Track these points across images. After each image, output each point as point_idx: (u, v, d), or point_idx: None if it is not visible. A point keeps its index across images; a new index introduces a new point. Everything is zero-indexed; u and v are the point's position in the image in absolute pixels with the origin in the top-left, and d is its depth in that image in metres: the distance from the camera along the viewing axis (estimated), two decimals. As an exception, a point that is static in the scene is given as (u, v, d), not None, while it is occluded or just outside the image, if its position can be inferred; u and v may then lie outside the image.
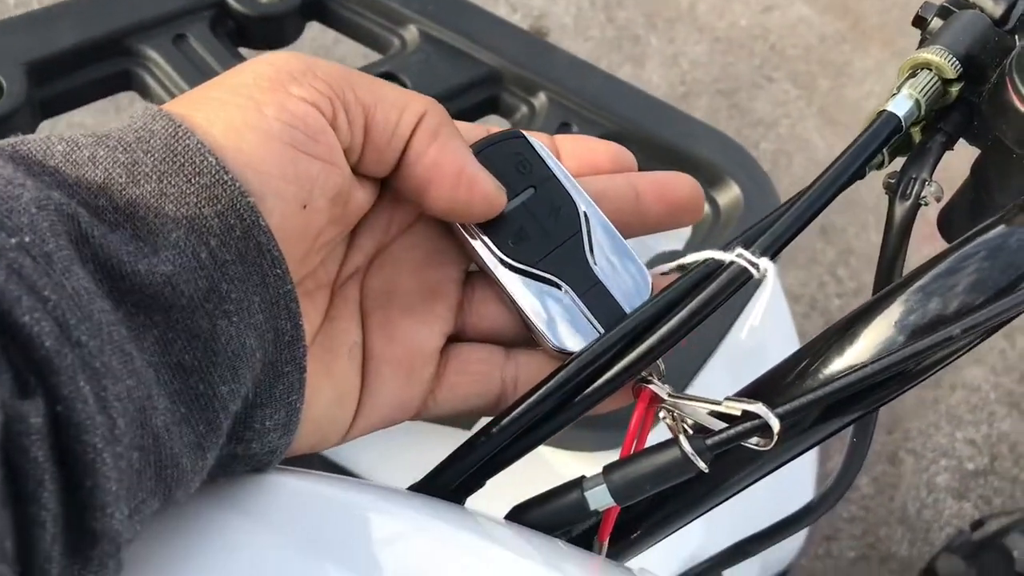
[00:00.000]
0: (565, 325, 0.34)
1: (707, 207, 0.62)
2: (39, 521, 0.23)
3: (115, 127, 0.28)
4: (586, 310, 0.34)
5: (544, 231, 0.34)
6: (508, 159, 0.34)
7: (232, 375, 0.28)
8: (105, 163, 0.27)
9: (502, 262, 0.34)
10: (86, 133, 0.28)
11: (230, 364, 0.27)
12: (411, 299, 0.35)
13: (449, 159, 0.32)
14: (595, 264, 0.34)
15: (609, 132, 0.61)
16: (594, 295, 0.34)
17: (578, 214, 0.34)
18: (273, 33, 0.62)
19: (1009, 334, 1.69)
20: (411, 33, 0.63)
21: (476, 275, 0.36)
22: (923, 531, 1.51)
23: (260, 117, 0.29)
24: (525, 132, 0.36)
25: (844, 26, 2.05)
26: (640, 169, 0.63)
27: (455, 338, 0.36)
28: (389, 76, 0.60)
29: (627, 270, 0.35)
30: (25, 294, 0.23)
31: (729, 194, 0.61)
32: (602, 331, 0.33)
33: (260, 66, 0.30)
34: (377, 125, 0.31)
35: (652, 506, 0.36)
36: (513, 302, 0.34)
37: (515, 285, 0.34)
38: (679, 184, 0.37)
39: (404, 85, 0.60)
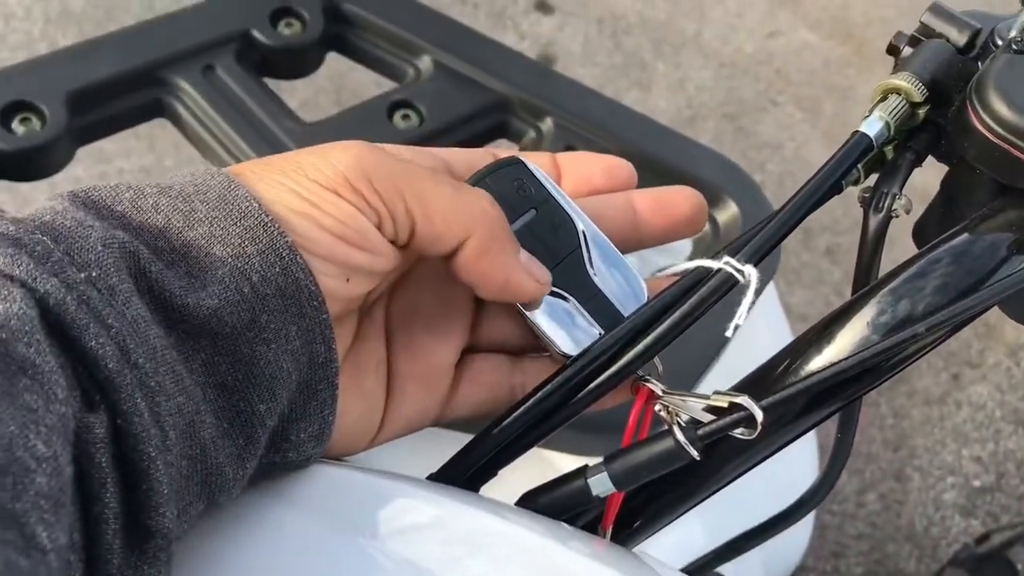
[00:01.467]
0: (570, 333, 0.37)
1: (708, 226, 0.65)
2: (103, 518, 0.27)
3: (177, 180, 0.32)
4: (589, 318, 0.37)
5: (546, 249, 0.37)
6: (509, 184, 0.37)
7: (269, 395, 0.31)
8: (166, 210, 0.31)
9: None
10: (151, 183, 0.32)
11: (268, 385, 0.31)
12: (431, 318, 0.38)
13: (496, 272, 0.34)
14: (595, 276, 0.37)
15: (612, 153, 0.65)
16: (596, 304, 0.37)
17: (576, 232, 0.37)
18: (295, 64, 0.66)
19: (1014, 352, 1.71)
20: (425, 63, 0.66)
21: None
22: (931, 548, 1.52)
23: (316, 210, 0.32)
24: (523, 157, 0.38)
25: (848, 51, 2.09)
26: (641, 187, 0.66)
27: (467, 350, 0.39)
28: (404, 104, 0.64)
29: (625, 280, 0.38)
30: (92, 322, 0.27)
31: (727, 212, 0.64)
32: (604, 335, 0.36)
33: (324, 163, 0.33)
34: (422, 237, 0.33)
35: (652, 496, 0.39)
36: (522, 315, 0.37)
37: None
38: (678, 200, 0.40)
39: (419, 112, 0.64)
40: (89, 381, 0.27)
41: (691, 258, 0.63)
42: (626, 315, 0.37)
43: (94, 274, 0.28)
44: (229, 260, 0.30)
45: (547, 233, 0.37)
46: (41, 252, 0.27)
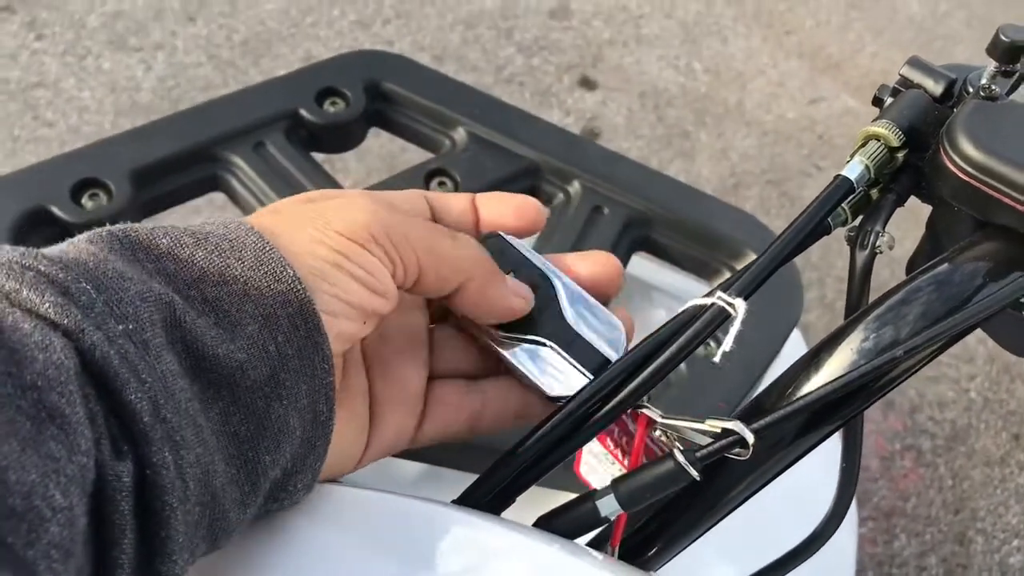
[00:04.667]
0: (556, 376, 0.40)
1: (729, 275, 0.68)
2: (119, 563, 0.28)
3: (211, 229, 0.34)
4: (571, 359, 0.40)
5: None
6: (493, 252, 0.42)
7: (275, 447, 0.33)
8: (202, 263, 0.33)
9: (494, 337, 0.41)
10: (187, 231, 0.34)
11: (274, 438, 0.33)
12: (399, 346, 0.41)
13: (493, 303, 0.40)
14: (572, 321, 0.41)
15: (636, 214, 0.68)
16: (577, 347, 0.41)
17: (552, 285, 0.42)
18: (339, 139, 0.71)
19: (1075, 410, 1.68)
20: (459, 134, 0.71)
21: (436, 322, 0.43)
22: (998, 613, 1.49)
23: (346, 261, 0.35)
24: (500, 232, 0.43)
25: (891, 115, 2.11)
26: (666, 244, 0.69)
27: (428, 377, 0.42)
28: (440, 172, 0.68)
29: (600, 321, 0.41)
30: (132, 376, 0.28)
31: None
32: (588, 375, 0.40)
33: (348, 217, 0.36)
34: (428, 282, 0.38)
35: (666, 522, 0.41)
36: (513, 367, 0.41)
37: (510, 352, 0.41)
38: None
39: (454, 180, 0.68)
40: (119, 430, 0.28)
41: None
42: (606, 353, 0.40)
43: (131, 327, 0.29)
44: (260, 319, 0.32)
45: None
46: (86, 302, 0.29)
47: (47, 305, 0.28)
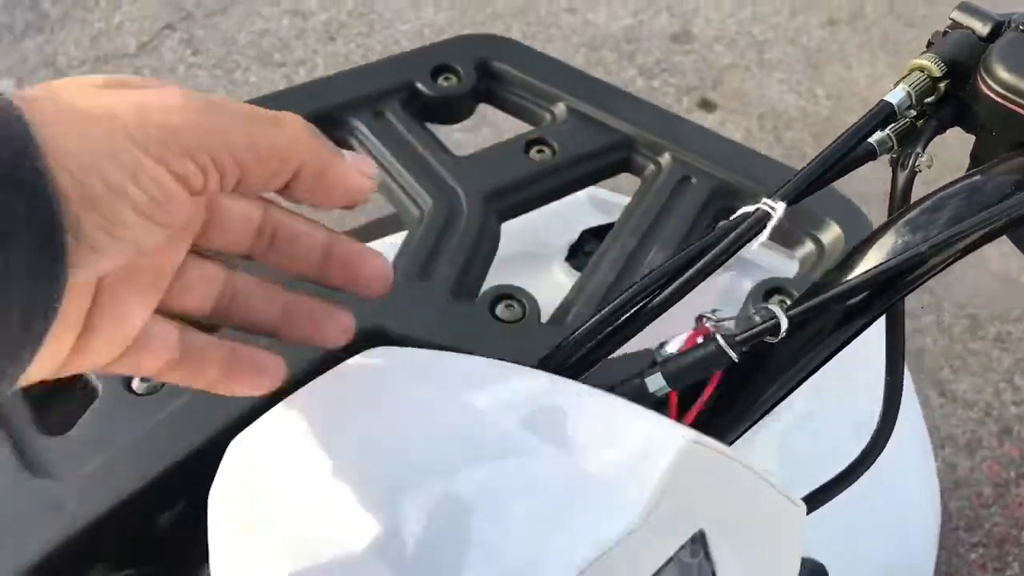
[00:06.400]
0: None
1: (813, 246, 0.71)
2: None
3: None
4: None
5: None
6: None
7: None
8: None
9: None
10: None
11: None
12: (138, 280, 0.36)
13: (335, 185, 0.36)
14: None
15: (722, 184, 0.72)
16: None
17: None
18: (451, 111, 0.78)
19: None
20: (560, 109, 0.77)
21: None
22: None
23: (129, 184, 0.30)
24: None
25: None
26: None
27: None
28: (539, 141, 0.74)
29: None
30: None
31: (831, 234, 0.70)
32: None
33: (151, 118, 0.30)
34: (251, 181, 0.33)
35: (713, 413, 0.45)
36: None
37: None
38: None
39: (551, 147, 0.74)
40: None
41: (798, 274, 0.69)
42: None
43: None
44: None
45: None
46: None
47: None
